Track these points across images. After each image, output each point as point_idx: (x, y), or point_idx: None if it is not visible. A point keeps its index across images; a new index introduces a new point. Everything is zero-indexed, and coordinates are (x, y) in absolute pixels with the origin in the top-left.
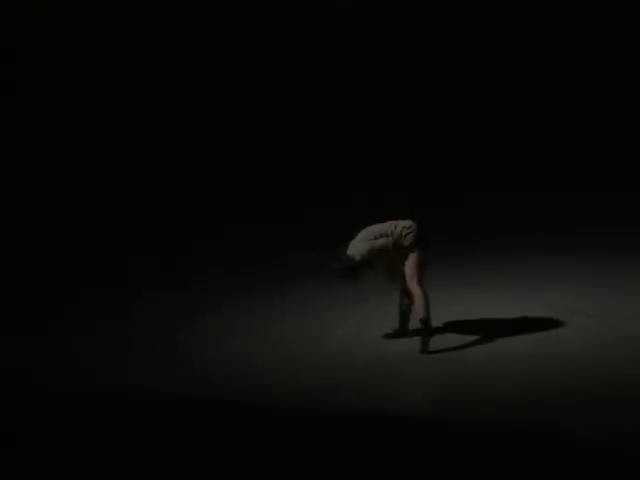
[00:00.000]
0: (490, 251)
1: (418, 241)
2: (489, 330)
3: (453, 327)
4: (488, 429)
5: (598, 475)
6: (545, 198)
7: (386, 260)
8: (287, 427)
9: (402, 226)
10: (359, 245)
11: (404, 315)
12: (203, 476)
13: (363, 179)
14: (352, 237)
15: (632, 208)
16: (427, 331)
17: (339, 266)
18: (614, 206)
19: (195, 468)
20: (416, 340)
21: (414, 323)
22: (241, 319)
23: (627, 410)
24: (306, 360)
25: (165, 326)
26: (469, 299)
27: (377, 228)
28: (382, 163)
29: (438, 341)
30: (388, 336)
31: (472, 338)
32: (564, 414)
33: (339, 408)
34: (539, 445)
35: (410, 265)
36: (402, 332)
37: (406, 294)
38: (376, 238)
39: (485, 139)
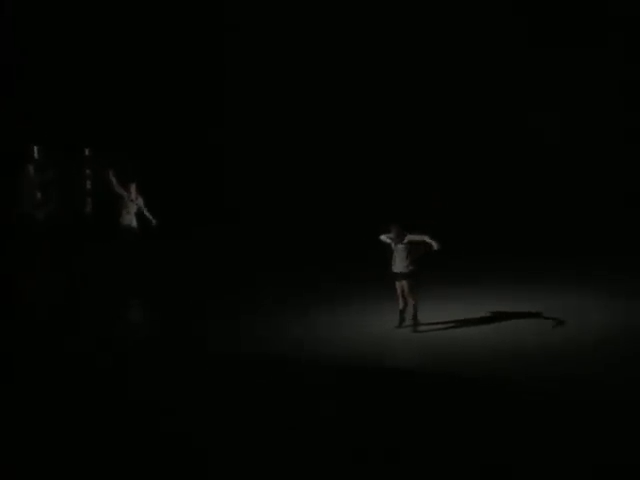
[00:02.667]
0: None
1: (412, 273)
2: (458, 321)
3: (433, 320)
4: (456, 379)
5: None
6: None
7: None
8: (336, 375)
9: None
10: (406, 232)
11: (403, 313)
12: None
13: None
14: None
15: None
16: (416, 321)
17: (392, 235)
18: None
19: None
20: (409, 327)
21: (409, 318)
22: (322, 318)
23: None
24: (352, 339)
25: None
26: (450, 304)
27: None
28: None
29: (423, 327)
30: (395, 326)
31: (445, 326)
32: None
33: (372, 364)
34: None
35: (408, 287)
36: (401, 322)
37: (404, 301)
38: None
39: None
